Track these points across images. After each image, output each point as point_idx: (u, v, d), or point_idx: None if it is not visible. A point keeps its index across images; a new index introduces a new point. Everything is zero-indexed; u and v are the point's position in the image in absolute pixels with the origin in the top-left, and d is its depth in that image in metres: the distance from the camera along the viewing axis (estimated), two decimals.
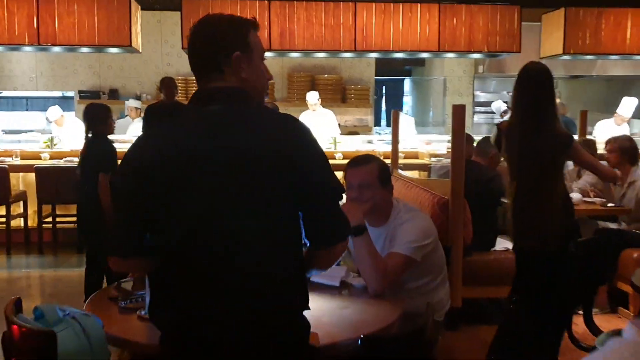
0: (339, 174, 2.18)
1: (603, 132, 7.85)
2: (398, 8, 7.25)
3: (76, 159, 7.07)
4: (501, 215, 5.09)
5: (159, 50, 9.50)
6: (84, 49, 7.13)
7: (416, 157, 7.69)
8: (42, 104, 10.82)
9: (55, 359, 1.81)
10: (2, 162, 6.94)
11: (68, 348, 1.82)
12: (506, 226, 5.09)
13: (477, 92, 10.77)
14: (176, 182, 1.61)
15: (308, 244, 1.74)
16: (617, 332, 2.93)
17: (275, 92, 9.48)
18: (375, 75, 10.16)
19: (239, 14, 2.07)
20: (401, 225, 2.80)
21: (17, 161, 7.15)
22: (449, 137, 4.28)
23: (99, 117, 4.91)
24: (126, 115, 8.56)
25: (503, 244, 4.55)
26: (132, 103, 8.57)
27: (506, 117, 8.29)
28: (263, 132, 1.66)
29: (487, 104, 10.11)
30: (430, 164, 6.92)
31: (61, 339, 1.80)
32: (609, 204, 5.05)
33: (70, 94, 9.75)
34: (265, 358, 1.64)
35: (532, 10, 7.86)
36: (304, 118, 8.19)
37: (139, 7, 7.17)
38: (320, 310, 2.32)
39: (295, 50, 7.36)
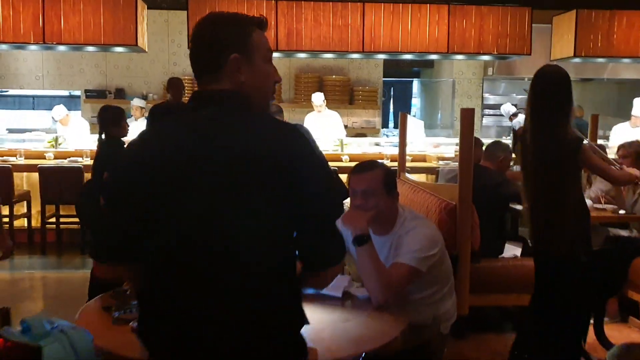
0: (345, 177, 2.10)
1: (619, 135, 7.66)
2: (407, 9, 7.17)
3: (80, 159, 7.06)
4: (509, 221, 5.02)
5: (165, 50, 9.46)
6: (90, 48, 7.08)
7: (424, 160, 7.61)
8: (48, 102, 10.81)
9: None
10: (6, 161, 6.91)
11: None
12: (516, 232, 5.05)
13: (486, 95, 10.69)
14: (175, 182, 1.58)
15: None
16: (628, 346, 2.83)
17: (282, 93, 9.42)
18: (384, 77, 10.08)
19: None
20: (406, 234, 2.71)
21: (21, 160, 7.11)
22: (457, 140, 4.20)
23: (112, 120, 5.02)
24: (131, 115, 8.52)
25: (511, 250, 4.46)
26: (136, 102, 8.53)
27: (516, 120, 8.22)
28: (260, 136, 1.61)
29: (497, 106, 10.00)
30: (438, 168, 6.84)
31: (47, 354, 1.74)
32: (621, 211, 4.95)
33: (77, 92, 9.74)
34: (265, 358, 1.61)
35: (543, 12, 7.76)
36: (309, 120, 8.14)
37: (145, 6, 7.13)
38: (321, 322, 2.24)
39: (303, 51, 7.29)
